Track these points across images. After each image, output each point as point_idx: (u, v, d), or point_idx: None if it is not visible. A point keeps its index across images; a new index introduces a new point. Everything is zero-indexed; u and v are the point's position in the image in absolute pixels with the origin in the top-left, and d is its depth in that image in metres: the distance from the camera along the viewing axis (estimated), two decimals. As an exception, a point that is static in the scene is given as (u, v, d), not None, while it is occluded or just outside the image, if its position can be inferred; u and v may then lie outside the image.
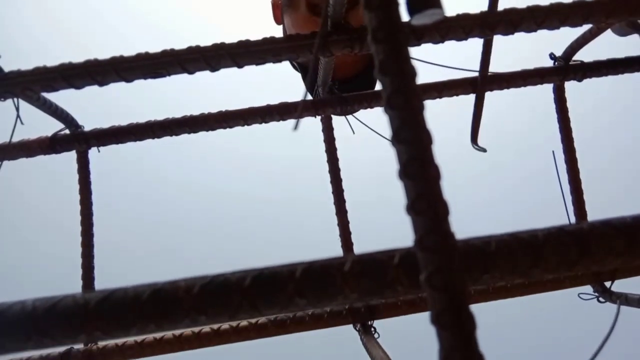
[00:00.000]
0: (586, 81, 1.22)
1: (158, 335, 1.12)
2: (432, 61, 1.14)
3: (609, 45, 1.20)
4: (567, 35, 1.09)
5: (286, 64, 1.24)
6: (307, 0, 1.09)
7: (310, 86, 1.11)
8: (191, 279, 0.34)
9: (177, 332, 1.12)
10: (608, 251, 0.34)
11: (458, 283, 0.30)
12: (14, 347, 0.34)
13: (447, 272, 0.30)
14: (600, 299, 1.18)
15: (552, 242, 0.34)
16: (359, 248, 1.26)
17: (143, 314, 0.33)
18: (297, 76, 1.27)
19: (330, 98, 1.19)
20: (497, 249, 0.34)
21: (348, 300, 0.34)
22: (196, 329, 1.11)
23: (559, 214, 1.28)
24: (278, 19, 1.23)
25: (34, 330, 0.33)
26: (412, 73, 0.32)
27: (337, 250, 1.26)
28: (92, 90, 0.86)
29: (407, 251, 0.34)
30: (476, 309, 0.31)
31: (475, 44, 1.01)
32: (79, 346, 1.14)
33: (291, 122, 1.18)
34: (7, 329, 0.33)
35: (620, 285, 1.18)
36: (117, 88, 0.88)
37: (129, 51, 0.83)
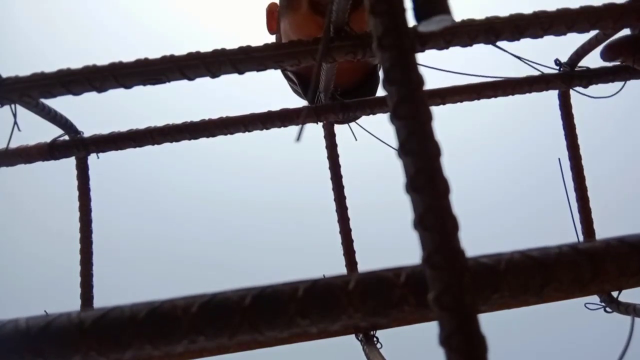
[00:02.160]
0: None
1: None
2: (431, 65, 1.12)
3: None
4: (573, 41, 1.08)
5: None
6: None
7: (312, 94, 1.10)
8: (190, 297, 0.33)
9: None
10: (622, 271, 0.33)
11: (469, 303, 0.28)
12: (7, 368, 0.33)
13: (457, 292, 0.28)
14: (607, 309, 1.16)
15: (565, 261, 0.33)
16: (361, 255, 1.24)
17: (140, 334, 0.32)
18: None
19: (333, 104, 1.18)
20: (507, 267, 0.33)
21: (352, 320, 0.33)
22: (196, 338, 1.10)
23: (565, 220, 1.26)
24: (272, 28, 1.20)
25: (28, 350, 0.32)
26: (420, 81, 0.30)
27: (339, 259, 1.24)
28: (92, 95, 0.85)
29: (414, 269, 0.33)
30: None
31: (478, 49, 0.99)
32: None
33: (293, 129, 1.17)
34: (0, 348, 0.32)
35: (627, 296, 1.16)
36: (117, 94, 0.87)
37: (128, 57, 0.82)
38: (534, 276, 0.32)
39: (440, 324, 0.28)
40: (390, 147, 1.14)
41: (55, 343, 0.32)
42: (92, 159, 1.23)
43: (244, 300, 0.31)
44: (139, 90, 0.87)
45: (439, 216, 0.29)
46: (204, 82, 0.88)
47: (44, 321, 0.32)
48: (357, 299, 0.31)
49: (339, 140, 1.26)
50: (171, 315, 0.32)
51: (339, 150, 1.26)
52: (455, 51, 0.90)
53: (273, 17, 1.19)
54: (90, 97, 0.88)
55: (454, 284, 0.28)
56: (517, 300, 0.32)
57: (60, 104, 1.09)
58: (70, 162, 1.22)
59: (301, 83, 1.22)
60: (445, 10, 0.37)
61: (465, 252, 0.29)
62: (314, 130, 1.26)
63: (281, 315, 0.31)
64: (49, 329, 0.32)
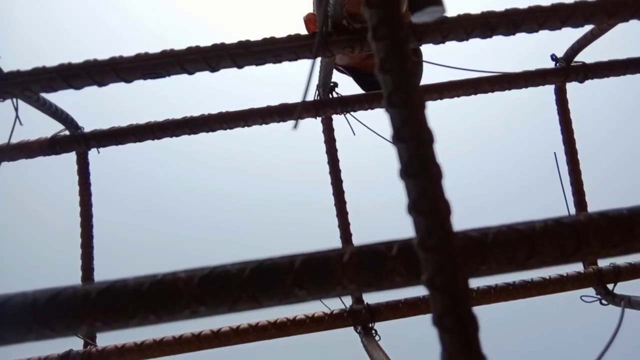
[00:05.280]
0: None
1: (157, 336, 1.11)
2: (430, 61, 1.13)
3: (612, 46, 1.20)
4: (571, 36, 1.09)
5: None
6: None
7: (305, 87, 1.12)
8: (191, 270, 0.34)
9: (177, 334, 1.11)
10: (604, 243, 0.34)
11: (461, 284, 0.29)
12: (15, 339, 0.34)
13: (450, 273, 0.29)
14: (603, 301, 1.17)
15: (549, 234, 0.34)
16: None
17: (143, 305, 0.33)
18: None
19: (331, 99, 1.19)
20: (494, 240, 0.34)
21: (346, 291, 0.34)
22: (196, 331, 1.11)
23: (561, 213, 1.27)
24: (312, 31, 1.25)
25: (35, 322, 0.33)
26: (413, 70, 0.31)
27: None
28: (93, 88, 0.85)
29: (405, 242, 0.34)
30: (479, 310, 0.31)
31: (475, 45, 1.00)
32: (78, 347, 1.13)
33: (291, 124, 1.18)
34: (8, 321, 0.33)
35: (622, 288, 1.17)
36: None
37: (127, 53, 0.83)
38: (520, 248, 0.33)
39: (433, 305, 0.29)
40: (385, 139, 1.15)
41: (61, 314, 0.33)
42: (92, 154, 1.24)
43: (243, 272, 0.32)
44: (138, 90, 0.88)
45: (432, 201, 0.30)
46: (204, 81, 0.89)
47: (51, 293, 0.33)
48: (351, 271, 0.33)
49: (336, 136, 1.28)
50: (173, 287, 0.33)
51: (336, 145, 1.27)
52: (452, 48, 0.91)
53: (311, 22, 1.23)
54: (90, 97, 0.89)
55: (447, 266, 0.29)
56: (504, 270, 0.33)
57: (62, 102, 1.10)
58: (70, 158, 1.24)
59: (354, 76, 1.25)
60: (437, 1, 0.38)
61: (457, 235, 0.30)
62: (314, 130, 1.27)
63: (279, 286, 0.32)
64: (56, 300, 0.33)
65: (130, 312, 0.32)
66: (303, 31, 1.15)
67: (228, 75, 0.87)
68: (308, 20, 1.26)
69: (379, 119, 1.20)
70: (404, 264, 0.33)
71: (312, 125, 1.24)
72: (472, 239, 0.33)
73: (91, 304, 0.32)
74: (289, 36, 0.85)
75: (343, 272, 0.32)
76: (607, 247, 0.33)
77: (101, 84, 0.82)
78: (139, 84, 0.87)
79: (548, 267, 0.33)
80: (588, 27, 1.01)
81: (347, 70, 1.27)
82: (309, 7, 1.22)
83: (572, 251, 0.33)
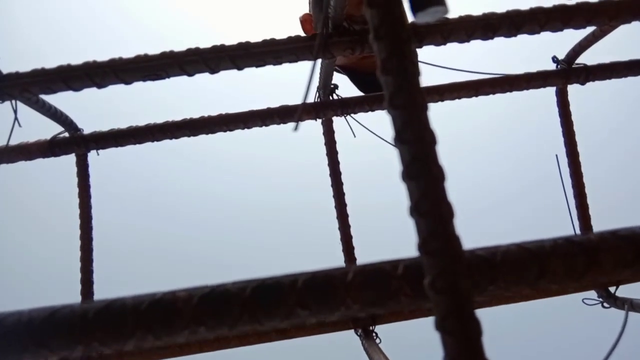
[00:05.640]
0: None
1: (157, 339, 1.11)
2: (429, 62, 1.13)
3: (612, 48, 1.20)
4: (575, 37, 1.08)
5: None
6: None
7: (306, 89, 1.12)
8: (191, 289, 0.33)
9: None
10: (616, 262, 0.33)
11: (463, 287, 0.29)
12: (10, 358, 0.33)
13: (452, 276, 0.29)
14: (605, 304, 1.17)
15: (559, 253, 0.33)
16: (359, 249, 1.24)
17: (142, 325, 0.32)
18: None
19: (331, 101, 1.18)
20: (503, 259, 0.33)
21: (350, 311, 0.33)
22: (196, 334, 1.10)
23: (563, 215, 1.27)
24: (309, 32, 1.25)
25: (31, 341, 0.32)
26: (415, 71, 0.31)
27: (339, 257, 1.24)
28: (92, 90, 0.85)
29: (411, 261, 0.33)
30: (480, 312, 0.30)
31: (476, 46, 1.00)
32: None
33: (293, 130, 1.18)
34: (2, 340, 0.33)
35: (625, 291, 1.16)
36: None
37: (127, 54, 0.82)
38: (529, 268, 0.32)
39: (436, 308, 0.29)
40: (386, 141, 1.15)
41: (58, 334, 0.32)
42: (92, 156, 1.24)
43: (244, 291, 0.32)
44: (138, 94, 0.87)
45: (434, 202, 0.29)
46: (204, 85, 0.89)
47: (47, 312, 0.33)
48: (356, 290, 0.32)
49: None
50: (172, 307, 0.32)
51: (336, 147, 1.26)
52: (453, 50, 0.91)
53: (308, 23, 1.23)
54: (91, 98, 0.88)
55: (449, 269, 0.29)
56: (513, 291, 0.32)
57: (61, 104, 1.09)
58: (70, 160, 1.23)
59: (350, 75, 1.24)
60: (440, 1, 0.37)
61: (460, 237, 0.30)
62: (314, 133, 1.27)
63: (281, 306, 0.32)
64: (53, 320, 0.32)
65: (129, 332, 0.32)
66: (301, 32, 1.16)
67: (227, 78, 0.87)
68: (304, 20, 1.26)
69: (380, 121, 1.20)
70: (410, 283, 0.32)
71: (312, 128, 1.24)
72: (480, 258, 0.32)
73: (89, 324, 0.32)
74: (289, 38, 0.84)
75: (347, 292, 0.32)
76: (619, 266, 0.32)
77: (100, 85, 0.81)
78: (138, 87, 0.87)
79: (559, 285, 0.32)
80: (590, 29, 1.01)
81: (343, 69, 1.26)
82: (305, 7, 1.22)
83: (583, 271, 0.32)
